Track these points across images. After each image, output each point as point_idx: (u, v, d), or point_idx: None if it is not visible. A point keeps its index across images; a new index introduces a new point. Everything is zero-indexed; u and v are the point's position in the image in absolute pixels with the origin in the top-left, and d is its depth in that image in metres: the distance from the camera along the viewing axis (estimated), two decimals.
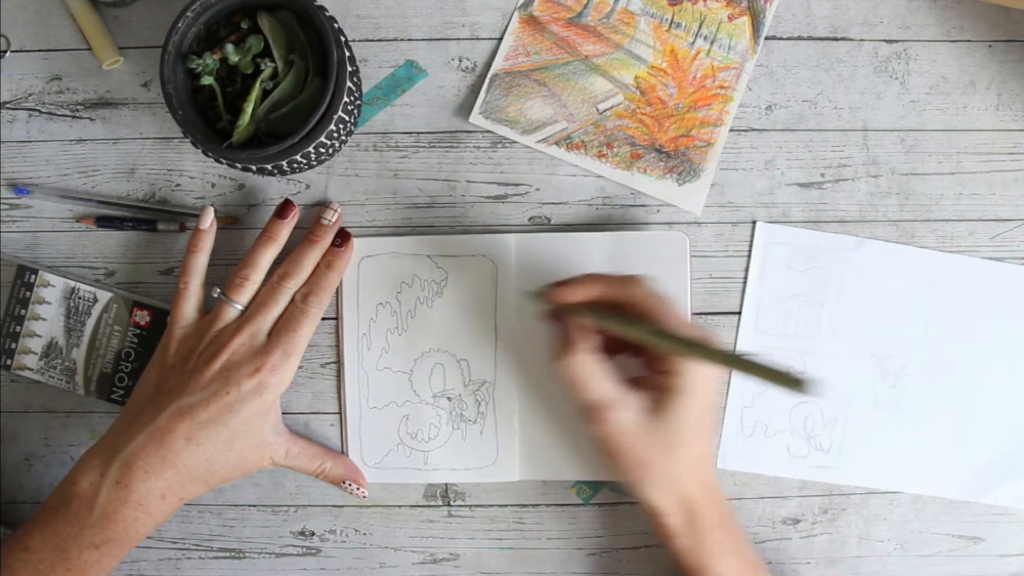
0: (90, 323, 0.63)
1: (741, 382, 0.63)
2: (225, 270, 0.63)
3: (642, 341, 0.52)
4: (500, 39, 0.64)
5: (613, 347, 0.57)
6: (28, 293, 0.63)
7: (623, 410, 0.53)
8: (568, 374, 0.54)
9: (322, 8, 0.57)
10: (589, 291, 0.55)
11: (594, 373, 0.53)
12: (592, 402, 0.53)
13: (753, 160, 0.64)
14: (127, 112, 0.64)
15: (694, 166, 0.63)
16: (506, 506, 0.64)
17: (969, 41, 0.64)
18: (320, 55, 0.58)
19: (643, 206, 0.64)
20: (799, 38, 0.64)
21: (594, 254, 0.63)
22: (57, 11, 0.64)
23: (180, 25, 0.56)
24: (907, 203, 0.64)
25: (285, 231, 0.61)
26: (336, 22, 0.58)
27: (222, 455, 0.57)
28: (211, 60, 0.57)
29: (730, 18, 0.64)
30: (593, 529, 0.64)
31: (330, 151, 0.61)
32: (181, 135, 0.63)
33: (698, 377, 0.53)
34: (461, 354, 0.63)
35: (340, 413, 0.64)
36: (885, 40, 0.64)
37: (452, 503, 0.64)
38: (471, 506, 0.64)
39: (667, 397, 0.53)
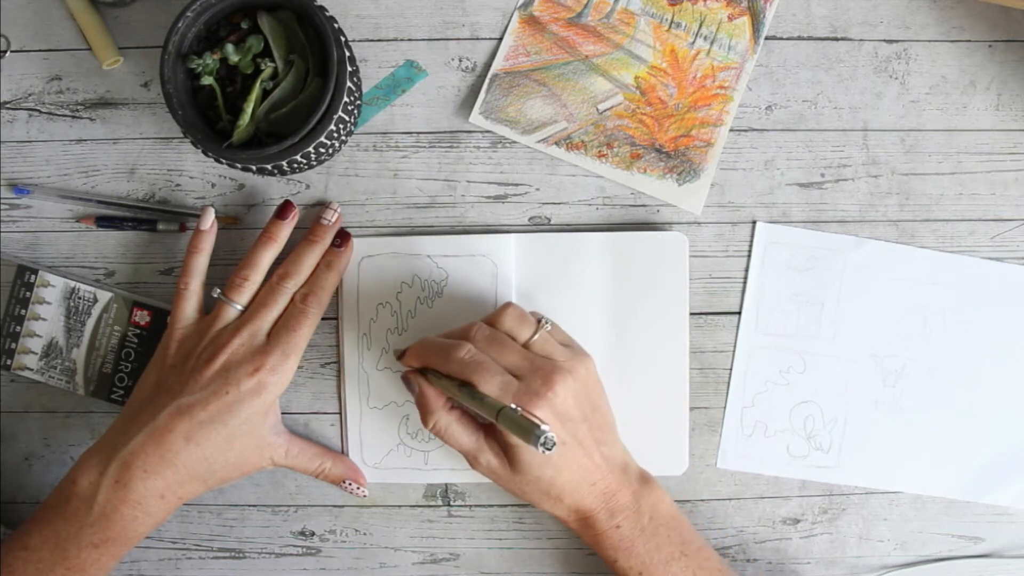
0: (90, 323, 0.63)
1: (740, 382, 0.63)
2: (225, 270, 0.63)
3: (464, 403, 0.54)
4: (500, 39, 0.64)
5: None
6: (28, 293, 0.63)
7: (483, 456, 0.56)
8: (436, 432, 0.57)
9: (322, 8, 0.57)
10: (419, 360, 0.58)
11: (454, 428, 0.56)
12: (461, 451, 0.57)
13: (753, 160, 0.64)
14: (127, 112, 0.64)
15: (694, 166, 0.63)
16: (506, 506, 0.64)
17: (969, 41, 0.64)
18: (320, 55, 0.58)
19: (643, 206, 0.64)
20: (799, 38, 0.64)
21: (594, 254, 0.63)
22: (57, 11, 0.64)
23: (180, 25, 0.56)
24: (907, 203, 0.64)
25: (285, 231, 0.61)
26: (336, 22, 0.58)
27: (221, 455, 0.57)
28: (211, 60, 0.57)
29: (730, 18, 0.64)
30: None
31: (330, 151, 0.61)
32: (181, 135, 0.63)
33: None
34: None
35: (340, 413, 0.64)
36: (885, 40, 0.64)
37: (452, 503, 0.64)
38: (471, 506, 0.64)
39: (509, 448, 0.56)
